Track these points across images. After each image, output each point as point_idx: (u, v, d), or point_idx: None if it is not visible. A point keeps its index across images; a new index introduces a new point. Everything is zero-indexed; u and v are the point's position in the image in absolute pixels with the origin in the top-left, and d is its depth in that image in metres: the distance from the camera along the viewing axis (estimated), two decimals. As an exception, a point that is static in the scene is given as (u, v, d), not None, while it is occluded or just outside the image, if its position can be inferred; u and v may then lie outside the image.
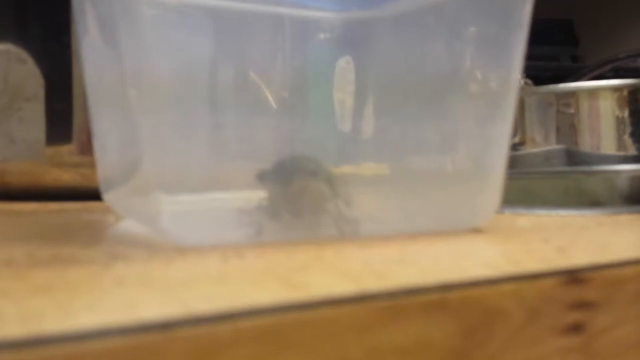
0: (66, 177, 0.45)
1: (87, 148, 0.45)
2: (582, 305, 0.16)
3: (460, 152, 0.27)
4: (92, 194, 0.38)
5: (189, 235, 0.21)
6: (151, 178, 0.23)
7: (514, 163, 0.39)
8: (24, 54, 0.45)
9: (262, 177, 0.23)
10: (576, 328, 0.16)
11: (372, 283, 0.14)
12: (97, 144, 0.31)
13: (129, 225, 0.27)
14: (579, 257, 0.19)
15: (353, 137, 0.27)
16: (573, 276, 0.16)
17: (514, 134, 0.40)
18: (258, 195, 0.23)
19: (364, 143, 0.27)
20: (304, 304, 0.13)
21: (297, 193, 0.23)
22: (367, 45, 0.28)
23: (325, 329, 0.13)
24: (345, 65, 0.27)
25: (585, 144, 0.38)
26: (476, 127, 0.26)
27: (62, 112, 0.46)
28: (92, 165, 0.43)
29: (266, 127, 0.26)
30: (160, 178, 0.23)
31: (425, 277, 0.15)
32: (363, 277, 0.15)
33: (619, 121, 0.38)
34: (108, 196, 0.29)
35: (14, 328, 0.10)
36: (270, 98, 0.25)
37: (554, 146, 0.39)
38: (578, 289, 0.16)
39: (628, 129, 0.38)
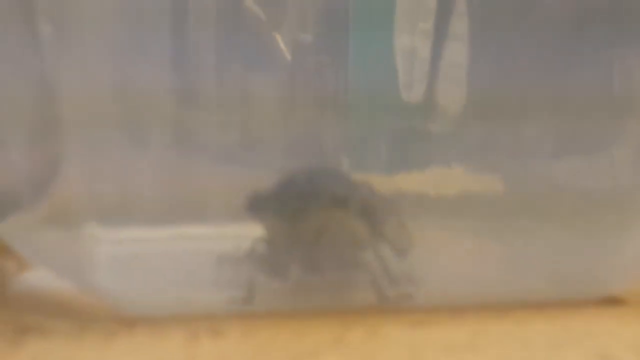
0: None
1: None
2: None
3: (592, 167, 0.29)
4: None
5: (139, 299, 0.24)
6: (79, 199, 0.26)
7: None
8: None
9: (256, 206, 0.25)
10: None
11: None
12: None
13: (41, 278, 0.30)
14: None
15: (426, 118, 0.29)
16: None
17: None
18: (251, 234, 0.26)
19: (446, 130, 0.29)
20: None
21: (313, 235, 0.25)
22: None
23: None
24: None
25: None
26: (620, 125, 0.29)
27: None
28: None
29: (272, 102, 0.28)
30: (95, 199, 0.26)
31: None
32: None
33: None
34: (5, 227, 0.31)
35: None
36: (281, 43, 0.27)
37: None
38: None
39: None
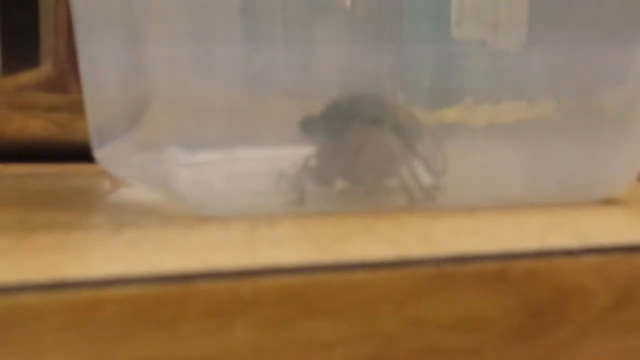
0: (34, 126, 0.53)
1: (65, 82, 0.54)
2: None
3: (591, 91, 0.34)
4: (75, 152, 0.46)
5: (211, 203, 0.30)
6: (163, 127, 0.31)
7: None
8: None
9: (308, 126, 0.30)
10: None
11: (417, 250, 0.23)
12: (85, 76, 0.38)
13: (132, 192, 0.37)
14: None
15: (472, 54, 0.33)
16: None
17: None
18: (303, 152, 0.31)
19: (499, 67, 0.33)
20: (332, 265, 0.22)
21: (353, 150, 0.30)
22: None
23: (356, 295, 0.22)
24: None
25: None
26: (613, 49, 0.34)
27: (25, 26, 0.54)
28: (74, 108, 0.52)
29: (333, 43, 0.32)
30: (176, 127, 0.30)
31: (486, 245, 0.23)
32: (411, 244, 0.24)
33: None
34: (102, 154, 0.38)
35: (33, 275, 0.20)
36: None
37: None
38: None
39: None
